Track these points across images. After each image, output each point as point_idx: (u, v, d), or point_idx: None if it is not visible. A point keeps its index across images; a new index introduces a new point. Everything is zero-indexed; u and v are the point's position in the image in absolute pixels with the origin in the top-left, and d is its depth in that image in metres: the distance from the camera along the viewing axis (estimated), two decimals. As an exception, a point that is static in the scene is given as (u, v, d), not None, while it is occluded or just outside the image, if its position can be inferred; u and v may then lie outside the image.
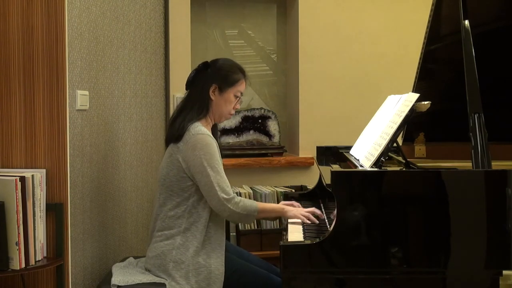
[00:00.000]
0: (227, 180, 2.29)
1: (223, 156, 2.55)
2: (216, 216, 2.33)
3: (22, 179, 2.22)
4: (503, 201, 1.88)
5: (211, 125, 2.47)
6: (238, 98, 2.45)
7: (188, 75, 2.46)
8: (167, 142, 2.39)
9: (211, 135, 2.34)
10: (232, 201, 2.25)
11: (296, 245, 1.96)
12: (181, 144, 2.30)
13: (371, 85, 3.85)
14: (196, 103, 2.38)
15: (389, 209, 1.92)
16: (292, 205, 2.52)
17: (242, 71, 2.46)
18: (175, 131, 2.33)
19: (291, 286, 1.96)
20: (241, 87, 2.45)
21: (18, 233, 2.20)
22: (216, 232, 2.33)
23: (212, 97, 2.40)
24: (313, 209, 2.42)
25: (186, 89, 2.45)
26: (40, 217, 2.30)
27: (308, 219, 2.34)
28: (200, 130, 2.30)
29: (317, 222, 2.35)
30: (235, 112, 3.69)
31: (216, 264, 2.28)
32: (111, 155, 2.84)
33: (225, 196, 2.24)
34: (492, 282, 1.91)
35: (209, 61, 2.46)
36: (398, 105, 2.18)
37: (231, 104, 2.43)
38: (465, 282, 1.94)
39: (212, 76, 2.40)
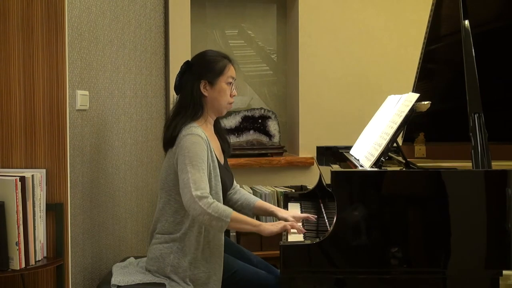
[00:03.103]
0: (207, 182, 2.19)
1: (230, 155, 2.53)
2: None
3: (22, 179, 2.22)
4: (503, 201, 1.88)
5: (212, 123, 2.42)
6: (231, 84, 2.37)
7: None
8: (165, 148, 2.35)
9: (202, 135, 2.25)
10: (204, 200, 2.11)
11: (296, 245, 1.96)
12: (175, 148, 2.26)
13: (371, 85, 3.85)
14: (190, 105, 2.32)
15: (389, 209, 1.92)
16: (308, 218, 2.40)
17: (225, 57, 2.38)
18: (169, 134, 2.29)
19: (291, 286, 1.96)
20: (230, 72, 2.36)
21: (18, 233, 2.20)
22: (214, 237, 2.30)
23: (205, 93, 2.33)
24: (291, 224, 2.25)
25: (176, 93, 2.39)
26: (40, 217, 2.30)
27: (286, 229, 2.20)
28: (191, 130, 2.24)
29: (303, 231, 2.21)
30: (236, 112, 3.79)
31: (215, 270, 2.26)
32: (111, 155, 2.84)
33: (198, 194, 2.11)
34: (492, 282, 1.91)
35: (190, 59, 2.40)
36: (398, 105, 2.18)
37: (226, 93, 2.35)
38: (465, 282, 1.94)
39: (198, 73, 2.33)
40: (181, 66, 2.38)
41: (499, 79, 2.54)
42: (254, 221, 2.24)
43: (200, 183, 2.15)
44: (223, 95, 2.35)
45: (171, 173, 2.30)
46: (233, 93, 2.39)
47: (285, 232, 2.22)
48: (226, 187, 2.41)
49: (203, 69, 2.34)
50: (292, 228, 2.20)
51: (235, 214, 2.17)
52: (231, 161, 3.59)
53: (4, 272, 2.19)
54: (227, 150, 2.48)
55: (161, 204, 2.34)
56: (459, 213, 1.90)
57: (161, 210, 2.34)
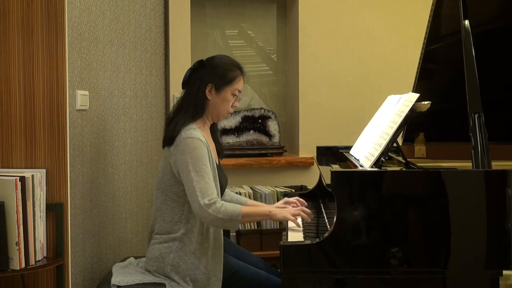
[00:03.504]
0: (213, 185, 2.20)
1: (223, 156, 2.54)
2: None
3: (22, 179, 2.22)
4: (503, 201, 1.88)
5: (209, 125, 2.43)
6: (236, 97, 2.38)
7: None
8: (163, 145, 2.36)
9: (202, 139, 2.25)
10: (213, 207, 2.13)
11: (296, 245, 1.96)
12: (173, 148, 2.26)
13: (371, 85, 3.85)
14: (192, 103, 2.33)
15: (389, 209, 1.92)
16: (295, 203, 2.44)
17: (239, 68, 2.38)
18: (169, 133, 2.29)
19: (291, 286, 1.96)
20: (239, 85, 2.37)
21: (18, 233, 2.20)
22: (214, 236, 2.30)
23: (209, 96, 2.33)
24: (301, 208, 2.34)
25: (182, 88, 2.39)
26: (40, 217, 2.30)
27: (299, 216, 2.25)
28: (191, 133, 2.24)
29: (309, 220, 2.29)
30: (236, 112, 3.78)
31: (214, 270, 2.27)
32: (111, 155, 2.84)
33: (206, 202, 2.14)
34: (492, 282, 1.91)
35: (204, 59, 2.40)
36: (398, 105, 2.18)
37: (229, 103, 2.36)
38: (465, 282, 1.94)
39: (208, 75, 2.33)
40: (194, 63, 2.38)
41: (499, 79, 2.54)
42: (263, 210, 2.33)
43: (206, 190, 2.16)
44: (225, 104, 2.36)
45: (167, 173, 2.30)
46: (235, 105, 2.40)
47: (285, 233, 2.22)
48: (223, 187, 2.43)
49: (214, 73, 2.34)
50: (299, 215, 2.24)
51: (245, 209, 2.19)
52: (232, 161, 3.61)
53: (4, 272, 2.19)
54: (221, 151, 2.50)
55: (157, 204, 2.34)
56: (459, 213, 1.90)
57: (158, 210, 2.34)
